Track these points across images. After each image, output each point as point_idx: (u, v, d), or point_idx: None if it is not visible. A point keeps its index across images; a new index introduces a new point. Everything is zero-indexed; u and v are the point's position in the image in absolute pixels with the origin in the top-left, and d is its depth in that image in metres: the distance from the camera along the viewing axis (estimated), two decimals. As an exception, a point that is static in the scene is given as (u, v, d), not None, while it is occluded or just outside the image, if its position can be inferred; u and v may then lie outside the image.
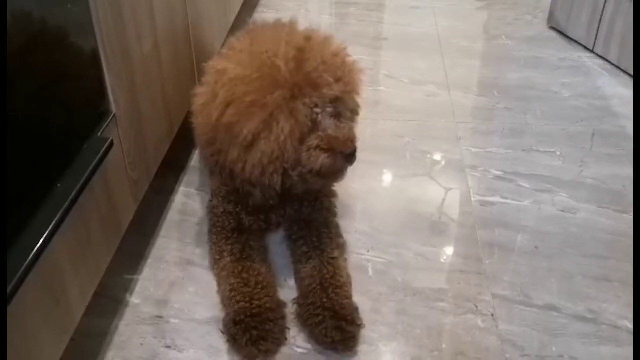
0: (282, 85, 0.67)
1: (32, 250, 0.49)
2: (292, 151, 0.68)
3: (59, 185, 0.55)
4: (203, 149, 0.76)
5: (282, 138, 0.67)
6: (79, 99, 0.61)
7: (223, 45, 1.04)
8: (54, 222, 0.52)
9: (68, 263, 0.58)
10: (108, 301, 0.78)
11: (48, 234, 0.51)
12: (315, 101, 0.68)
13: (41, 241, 0.50)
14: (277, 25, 0.77)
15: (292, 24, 0.75)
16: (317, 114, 0.69)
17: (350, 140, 0.70)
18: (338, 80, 0.70)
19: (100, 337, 0.73)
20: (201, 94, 0.74)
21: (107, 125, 0.66)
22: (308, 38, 0.71)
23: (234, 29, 1.24)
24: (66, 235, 0.56)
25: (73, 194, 0.55)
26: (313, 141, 0.69)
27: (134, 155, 0.74)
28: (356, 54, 0.78)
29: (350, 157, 0.70)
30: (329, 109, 0.70)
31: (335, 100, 0.70)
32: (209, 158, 0.74)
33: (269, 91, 0.66)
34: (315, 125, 0.69)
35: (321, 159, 0.69)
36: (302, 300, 0.74)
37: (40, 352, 0.53)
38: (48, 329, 0.54)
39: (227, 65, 0.70)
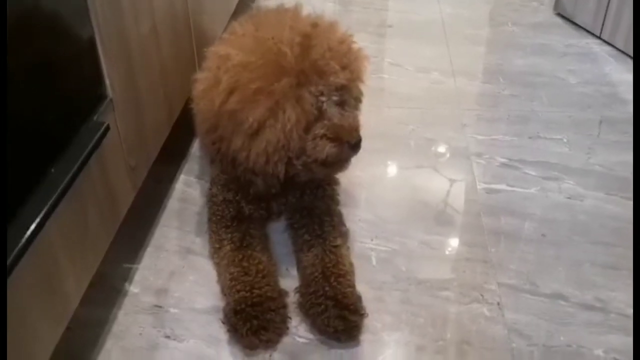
0: (288, 72, 0.65)
1: (24, 235, 0.48)
2: (298, 140, 0.67)
3: (53, 170, 0.54)
4: (204, 137, 0.74)
5: (288, 127, 0.65)
6: (73, 83, 0.60)
7: (225, 30, 1.02)
8: (47, 207, 0.50)
9: (63, 250, 0.56)
10: (106, 290, 0.77)
11: (41, 218, 0.49)
12: (321, 89, 0.67)
13: (33, 226, 0.49)
14: (281, 10, 0.75)
15: (296, 10, 0.73)
16: (323, 102, 0.67)
17: (355, 130, 0.69)
18: (344, 67, 0.68)
19: (99, 326, 0.72)
20: (202, 80, 0.72)
21: (103, 109, 0.64)
22: (314, 24, 0.69)
23: (236, 13, 1.22)
24: (61, 221, 0.55)
25: (67, 178, 0.53)
26: (319, 130, 0.68)
27: (131, 141, 0.72)
28: (360, 42, 0.76)
29: (355, 146, 0.69)
30: (334, 97, 0.68)
31: (341, 88, 0.69)
32: (210, 146, 0.72)
33: (275, 78, 0.65)
34: (320, 114, 0.68)
35: (327, 149, 0.68)
36: (304, 289, 0.72)
37: (34, 341, 0.52)
38: (42, 317, 0.53)
39: (230, 51, 0.68)
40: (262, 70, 0.65)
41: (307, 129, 0.67)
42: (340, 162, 0.71)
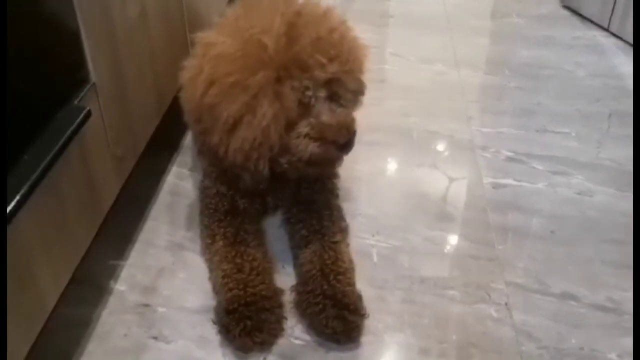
0: (267, 65, 0.60)
1: (-8, 227, 0.43)
2: (277, 138, 0.62)
3: (25, 156, 0.49)
4: (192, 126, 0.70)
5: (265, 124, 0.60)
6: (51, 64, 0.55)
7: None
8: (18, 196, 0.46)
9: (38, 244, 0.52)
10: (90, 288, 0.72)
11: (12, 209, 0.45)
12: (307, 84, 0.62)
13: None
14: None
15: None
16: (309, 97, 0.62)
17: (345, 128, 0.64)
18: (332, 59, 0.63)
19: (81, 327, 0.68)
20: (189, 68, 0.67)
21: (85, 94, 0.60)
22: (298, 13, 0.64)
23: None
24: (35, 212, 0.50)
25: (42, 166, 0.49)
26: (302, 128, 0.63)
27: (117, 129, 0.68)
28: (362, 32, 0.71)
29: (344, 146, 0.64)
30: (321, 93, 0.63)
31: (330, 82, 0.64)
32: (198, 136, 0.68)
33: (252, 71, 0.60)
34: (307, 111, 0.63)
35: (310, 148, 0.63)
36: (301, 288, 0.68)
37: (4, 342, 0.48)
38: (13, 317, 0.49)
39: (215, 39, 0.64)
40: (240, 62, 0.61)
41: (290, 127, 0.63)
42: (327, 161, 0.67)
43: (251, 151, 0.62)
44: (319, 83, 0.63)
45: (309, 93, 0.63)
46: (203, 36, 0.68)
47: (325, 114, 0.63)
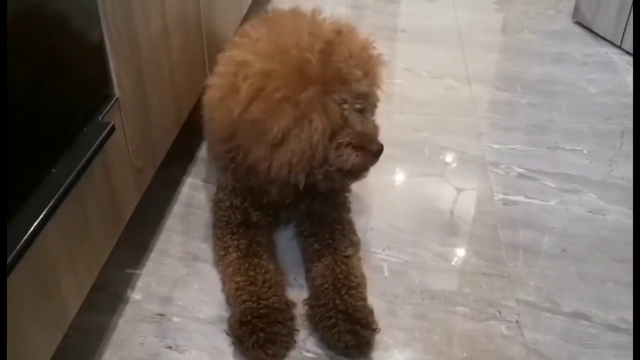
0: (313, 80, 0.63)
1: (22, 238, 0.45)
2: (322, 150, 0.65)
3: (54, 170, 0.51)
4: (218, 145, 0.70)
5: (316, 137, 0.63)
6: (79, 81, 0.57)
7: (236, 32, 0.99)
8: (47, 209, 0.48)
9: (63, 254, 0.54)
10: (107, 296, 0.74)
11: (40, 221, 0.47)
12: (344, 97, 0.65)
13: (32, 228, 0.46)
14: (296, 14, 0.72)
15: (313, 14, 0.70)
16: (345, 110, 0.66)
17: (376, 137, 0.68)
18: (366, 74, 0.67)
19: (98, 334, 0.69)
20: (216, 86, 0.68)
21: (109, 109, 0.62)
22: (338, 31, 0.67)
23: (247, 17, 1.20)
24: (61, 223, 0.52)
25: (69, 179, 0.51)
26: (343, 139, 0.66)
27: (138, 142, 0.70)
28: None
29: (378, 154, 0.67)
30: (357, 105, 0.67)
31: (362, 96, 0.67)
32: (223, 154, 0.69)
33: (300, 87, 0.63)
34: (344, 122, 0.66)
35: (352, 158, 0.66)
36: (314, 302, 0.69)
37: (29, 349, 0.49)
38: (39, 324, 0.50)
39: (248, 57, 0.65)
40: (287, 78, 0.63)
41: (331, 138, 0.66)
42: (363, 170, 0.69)
43: (298, 164, 0.64)
44: (354, 96, 0.66)
45: (346, 106, 0.66)
46: (230, 55, 0.69)
47: (358, 124, 0.67)
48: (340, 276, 0.70)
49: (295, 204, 0.77)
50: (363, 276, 0.73)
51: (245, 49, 0.68)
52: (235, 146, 0.66)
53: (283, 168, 0.64)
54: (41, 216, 0.47)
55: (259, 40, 0.68)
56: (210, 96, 0.69)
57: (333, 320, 0.66)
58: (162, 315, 0.72)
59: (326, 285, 0.69)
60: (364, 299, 0.69)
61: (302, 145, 0.63)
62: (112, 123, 0.59)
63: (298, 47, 0.64)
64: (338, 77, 0.64)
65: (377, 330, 0.67)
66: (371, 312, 0.68)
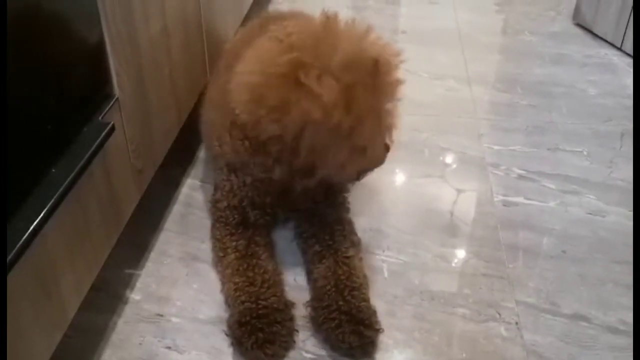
0: (384, 90, 0.67)
1: (22, 238, 0.45)
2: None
3: (54, 169, 0.51)
4: (261, 148, 0.67)
5: (384, 142, 0.71)
6: (79, 81, 0.57)
7: (237, 32, 0.99)
8: (46, 208, 0.48)
9: (62, 253, 0.54)
10: (106, 296, 0.74)
11: (40, 220, 0.47)
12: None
13: (32, 228, 0.46)
14: (322, 22, 0.67)
15: (354, 23, 0.68)
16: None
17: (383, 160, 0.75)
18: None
19: (97, 334, 0.69)
20: (274, 87, 0.63)
21: (109, 109, 0.62)
22: (374, 40, 0.69)
23: (248, 17, 1.20)
24: (61, 223, 0.52)
25: (69, 179, 0.51)
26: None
27: (138, 142, 0.70)
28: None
29: (388, 149, 0.73)
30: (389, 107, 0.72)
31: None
32: (264, 160, 0.68)
33: (377, 97, 0.66)
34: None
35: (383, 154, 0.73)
36: (316, 303, 0.69)
37: (29, 349, 0.49)
38: (38, 323, 0.50)
39: (326, 66, 0.63)
40: (370, 89, 0.65)
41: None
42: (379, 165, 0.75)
43: (367, 166, 0.72)
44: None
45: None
46: (290, 58, 0.63)
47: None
48: (342, 277, 0.70)
49: (291, 203, 0.77)
50: (365, 277, 0.73)
51: (315, 56, 0.63)
52: (295, 145, 0.64)
53: (355, 170, 0.70)
54: (41, 216, 0.47)
55: (326, 46, 0.64)
56: (274, 98, 0.63)
57: (337, 321, 0.66)
58: (161, 315, 0.72)
59: (328, 287, 0.69)
60: (367, 300, 0.69)
61: (377, 151, 0.69)
62: (112, 123, 0.59)
63: (371, 59, 0.65)
64: (387, 84, 0.68)
65: (381, 330, 0.67)
66: (374, 312, 0.68)
